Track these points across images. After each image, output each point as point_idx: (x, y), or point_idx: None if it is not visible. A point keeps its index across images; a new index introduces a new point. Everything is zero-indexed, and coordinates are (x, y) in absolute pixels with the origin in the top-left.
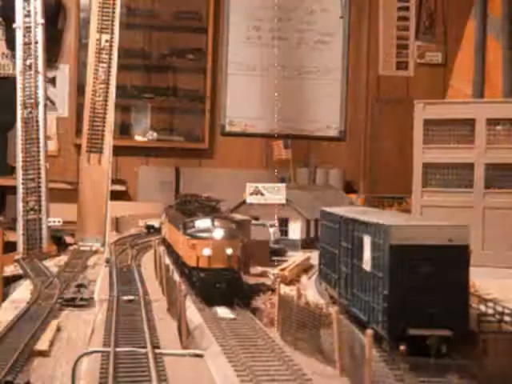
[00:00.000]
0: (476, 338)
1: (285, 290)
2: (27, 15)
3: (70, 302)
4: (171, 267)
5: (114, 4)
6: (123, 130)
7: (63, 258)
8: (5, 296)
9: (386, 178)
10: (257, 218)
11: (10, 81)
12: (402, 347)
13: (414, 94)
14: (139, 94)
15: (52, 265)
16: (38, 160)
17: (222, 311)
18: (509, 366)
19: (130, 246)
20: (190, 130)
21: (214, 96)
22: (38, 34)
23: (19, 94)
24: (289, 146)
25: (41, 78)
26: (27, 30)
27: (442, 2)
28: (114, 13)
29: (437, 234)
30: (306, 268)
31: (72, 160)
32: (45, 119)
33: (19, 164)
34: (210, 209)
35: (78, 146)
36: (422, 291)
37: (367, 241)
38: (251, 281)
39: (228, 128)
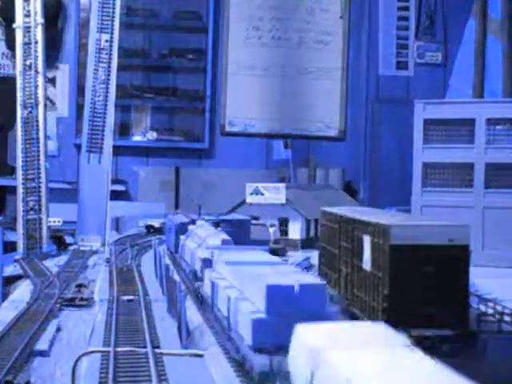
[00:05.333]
0: (476, 337)
1: None
2: (27, 15)
3: (70, 302)
4: (171, 267)
5: (113, 4)
6: (123, 130)
7: (63, 258)
8: (5, 296)
9: (386, 177)
10: (257, 218)
11: (10, 81)
12: None
13: (414, 94)
14: (139, 94)
15: (52, 265)
16: (38, 160)
17: None
18: (508, 366)
19: (130, 246)
20: (189, 129)
21: (214, 96)
22: (38, 34)
23: (19, 94)
24: (289, 146)
25: (41, 77)
26: (27, 29)
27: (441, 2)
28: (114, 13)
29: (437, 233)
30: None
31: (72, 160)
32: (45, 119)
33: (19, 164)
34: None
35: (78, 146)
36: (421, 291)
37: (367, 241)
38: None
39: (228, 128)
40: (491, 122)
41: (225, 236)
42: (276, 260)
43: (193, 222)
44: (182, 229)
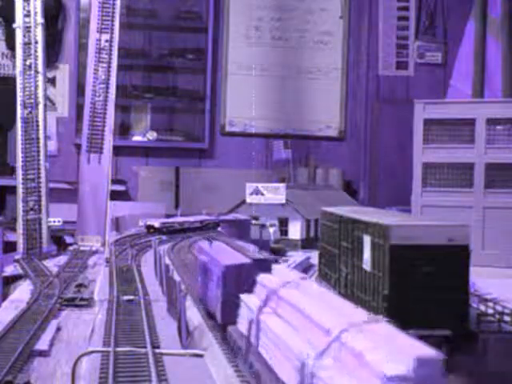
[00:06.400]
0: (476, 337)
1: None
2: (27, 15)
3: (70, 302)
4: (171, 267)
5: (114, 4)
6: (123, 130)
7: (63, 258)
8: (5, 296)
9: (386, 177)
10: (257, 218)
11: (10, 81)
12: None
13: (414, 94)
14: (139, 94)
15: (52, 265)
16: (38, 160)
17: None
18: (508, 366)
19: (130, 246)
20: (189, 129)
21: (214, 96)
22: (38, 34)
23: (19, 94)
24: (289, 146)
25: (41, 77)
26: (27, 29)
27: (442, 2)
28: (114, 13)
29: (437, 233)
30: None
31: (72, 160)
32: (45, 119)
33: (19, 164)
34: None
35: (78, 146)
36: (421, 291)
37: (367, 241)
38: None
39: (228, 128)
40: (491, 121)
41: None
42: None
43: (260, 263)
44: (239, 279)
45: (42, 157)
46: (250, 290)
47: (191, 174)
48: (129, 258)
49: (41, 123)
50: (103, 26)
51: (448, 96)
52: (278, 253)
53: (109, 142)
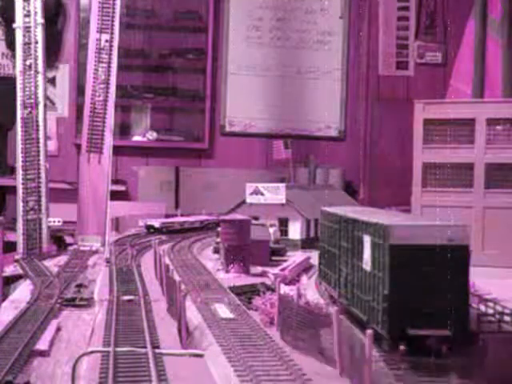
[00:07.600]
0: (476, 337)
1: (284, 289)
2: (27, 15)
3: (70, 302)
4: (171, 267)
5: (114, 4)
6: (123, 130)
7: (63, 258)
8: (5, 296)
9: (386, 177)
10: (257, 218)
11: (9, 81)
12: (401, 347)
13: (414, 94)
14: (139, 94)
15: (52, 265)
16: (38, 160)
17: (222, 311)
18: (508, 366)
19: (130, 246)
20: (190, 129)
21: (214, 96)
22: (38, 34)
23: (19, 94)
24: (289, 146)
25: (41, 77)
26: (27, 30)
27: (442, 2)
28: (114, 13)
29: (437, 233)
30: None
31: (72, 160)
32: (45, 119)
33: (19, 164)
34: None
35: (78, 146)
36: (421, 291)
37: (367, 241)
38: (251, 281)
39: (228, 128)
40: (491, 121)
41: None
42: None
43: None
44: None
45: (41, 157)
46: None
47: (191, 174)
48: (129, 258)
49: (41, 123)
50: (103, 26)
51: (448, 96)
52: (278, 253)
53: (109, 142)
